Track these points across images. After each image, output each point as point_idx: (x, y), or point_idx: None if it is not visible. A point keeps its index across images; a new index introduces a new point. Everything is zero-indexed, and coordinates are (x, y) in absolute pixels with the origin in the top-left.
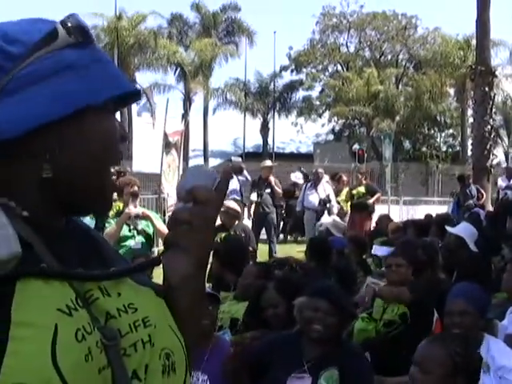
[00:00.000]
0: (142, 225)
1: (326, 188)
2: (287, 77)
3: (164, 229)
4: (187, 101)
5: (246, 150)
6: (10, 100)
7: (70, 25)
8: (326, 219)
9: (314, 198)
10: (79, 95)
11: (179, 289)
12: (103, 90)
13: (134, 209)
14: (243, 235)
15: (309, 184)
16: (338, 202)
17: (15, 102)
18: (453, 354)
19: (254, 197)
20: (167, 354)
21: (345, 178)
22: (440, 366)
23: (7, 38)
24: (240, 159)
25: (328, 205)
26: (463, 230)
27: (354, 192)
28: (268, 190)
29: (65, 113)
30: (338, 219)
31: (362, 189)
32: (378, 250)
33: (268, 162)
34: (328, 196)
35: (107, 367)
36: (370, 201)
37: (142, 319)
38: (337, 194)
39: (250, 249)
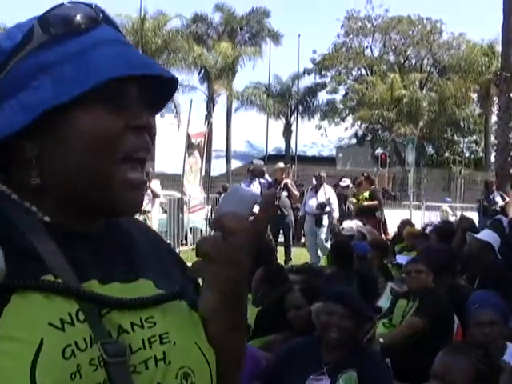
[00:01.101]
0: None
1: (327, 192)
2: (310, 80)
3: None
4: (210, 102)
5: (267, 153)
6: None
7: (49, 19)
8: (348, 224)
9: (313, 203)
10: (45, 100)
11: (206, 320)
12: (89, 78)
13: None
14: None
15: (310, 187)
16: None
17: None
18: (476, 363)
19: None
20: (186, 373)
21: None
22: (464, 377)
23: None
24: (262, 162)
25: (328, 209)
26: (486, 237)
27: (360, 197)
28: (285, 193)
29: (32, 118)
30: (360, 224)
31: (366, 194)
32: (401, 259)
33: (281, 164)
34: (328, 200)
35: None
36: (366, 203)
37: (160, 335)
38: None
39: None
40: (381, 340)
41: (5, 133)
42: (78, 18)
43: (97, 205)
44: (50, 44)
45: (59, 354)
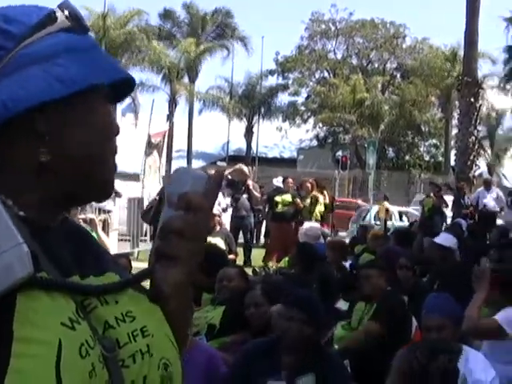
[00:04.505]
0: None
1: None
2: (273, 81)
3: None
4: (172, 102)
5: (229, 154)
6: (12, 78)
7: (67, 10)
8: (309, 225)
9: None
10: (81, 77)
11: (170, 297)
12: (103, 75)
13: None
14: (226, 240)
15: None
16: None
17: (16, 81)
18: (411, 360)
19: (226, 201)
20: (165, 364)
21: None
22: (397, 370)
23: (7, 19)
24: (225, 164)
25: None
26: (444, 240)
27: (278, 199)
28: (245, 195)
29: (67, 92)
30: (314, 225)
31: (287, 197)
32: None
33: (242, 166)
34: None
35: (109, 381)
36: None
37: (141, 329)
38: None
39: (233, 255)
40: (336, 347)
41: (41, 98)
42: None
43: (84, 191)
44: (71, 31)
45: (77, 354)
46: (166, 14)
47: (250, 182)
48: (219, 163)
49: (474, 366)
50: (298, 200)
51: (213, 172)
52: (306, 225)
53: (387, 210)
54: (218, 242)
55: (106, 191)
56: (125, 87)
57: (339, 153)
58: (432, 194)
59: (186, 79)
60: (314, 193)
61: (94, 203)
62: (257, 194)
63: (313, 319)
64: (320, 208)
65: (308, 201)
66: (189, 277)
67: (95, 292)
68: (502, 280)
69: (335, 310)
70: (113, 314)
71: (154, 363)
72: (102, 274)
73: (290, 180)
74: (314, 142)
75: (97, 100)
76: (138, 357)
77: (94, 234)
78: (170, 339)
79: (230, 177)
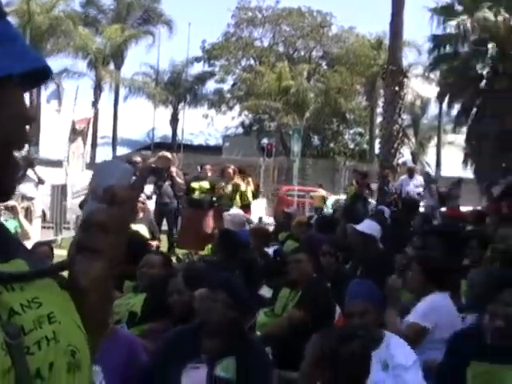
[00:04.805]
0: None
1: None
2: (199, 68)
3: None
4: (98, 89)
5: (155, 141)
6: None
7: None
8: (235, 211)
9: None
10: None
11: (88, 291)
12: (15, 65)
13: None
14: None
15: None
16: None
17: None
18: (324, 344)
19: (150, 188)
20: (72, 351)
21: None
22: (313, 358)
23: None
24: (149, 152)
25: None
26: (367, 227)
27: (196, 186)
28: (169, 182)
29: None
30: (239, 212)
31: (205, 183)
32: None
33: (165, 153)
34: None
35: (12, 368)
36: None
37: (48, 315)
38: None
39: (156, 242)
40: (258, 333)
41: None
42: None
43: None
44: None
45: None
46: (89, 1)
47: (173, 169)
48: (143, 152)
49: (395, 351)
50: (222, 185)
51: (138, 160)
52: (232, 211)
53: (323, 198)
54: (142, 229)
55: (6, 183)
56: (40, 75)
57: (264, 140)
58: (355, 182)
59: (112, 66)
60: (236, 180)
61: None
62: (180, 180)
63: (237, 302)
64: (246, 195)
65: (229, 188)
66: (110, 270)
67: (5, 279)
68: (425, 267)
69: (258, 297)
70: (18, 301)
71: (60, 350)
72: (6, 261)
73: (208, 167)
74: (240, 130)
75: (9, 89)
76: (44, 343)
77: (15, 221)
78: (78, 326)
79: (153, 165)
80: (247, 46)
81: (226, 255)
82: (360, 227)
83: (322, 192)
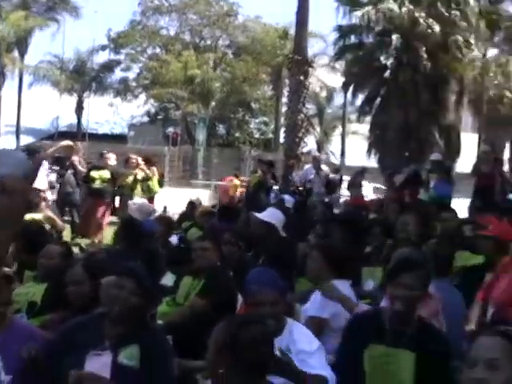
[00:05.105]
0: None
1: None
2: (105, 57)
3: None
4: (1, 76)
5: (60, 129)
6: None
7: None
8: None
9: None
10: None
11: None
12: None
13: None
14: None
15: None
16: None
17: None
18: (225, 332)
19: (52, 177)
20: None
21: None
22: (215, 345)
23: None
24: (50, 142)
25: None
26: (269, 216)
27: (95, 175)
28: (71, 171)
29: None
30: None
31: (105, 173)
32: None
33: (68, 141)
34: None
35: None
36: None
37: None
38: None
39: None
40: (160, 322)
41: None
42: None
43: None
44: None
45: None
46: None
47: (75, 158)
48: (44, 142)
49: (298, 337)
50: (123, 174)
51: (37, 149)
52: (136, 200)
53: (236, 187)
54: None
55: None
56: None
57: (170, 129)
58: (260, 171)
59: (16, 53)
60: (138, 170)
61: None
62: (82, 169)
63: (142, 289)
64: (152, 184)
65: (131, 178)
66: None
67: None
68: (325, 255)
69: (160, 287)
70: None
71: None
72: None
73: (109, 155)
74: (145, 118)
75: None
76: None
77: None
78: None
79: (56, 155)
80: (153, 34)
81: (128, 245)
82: (262, 216)
83: (236, 182)
